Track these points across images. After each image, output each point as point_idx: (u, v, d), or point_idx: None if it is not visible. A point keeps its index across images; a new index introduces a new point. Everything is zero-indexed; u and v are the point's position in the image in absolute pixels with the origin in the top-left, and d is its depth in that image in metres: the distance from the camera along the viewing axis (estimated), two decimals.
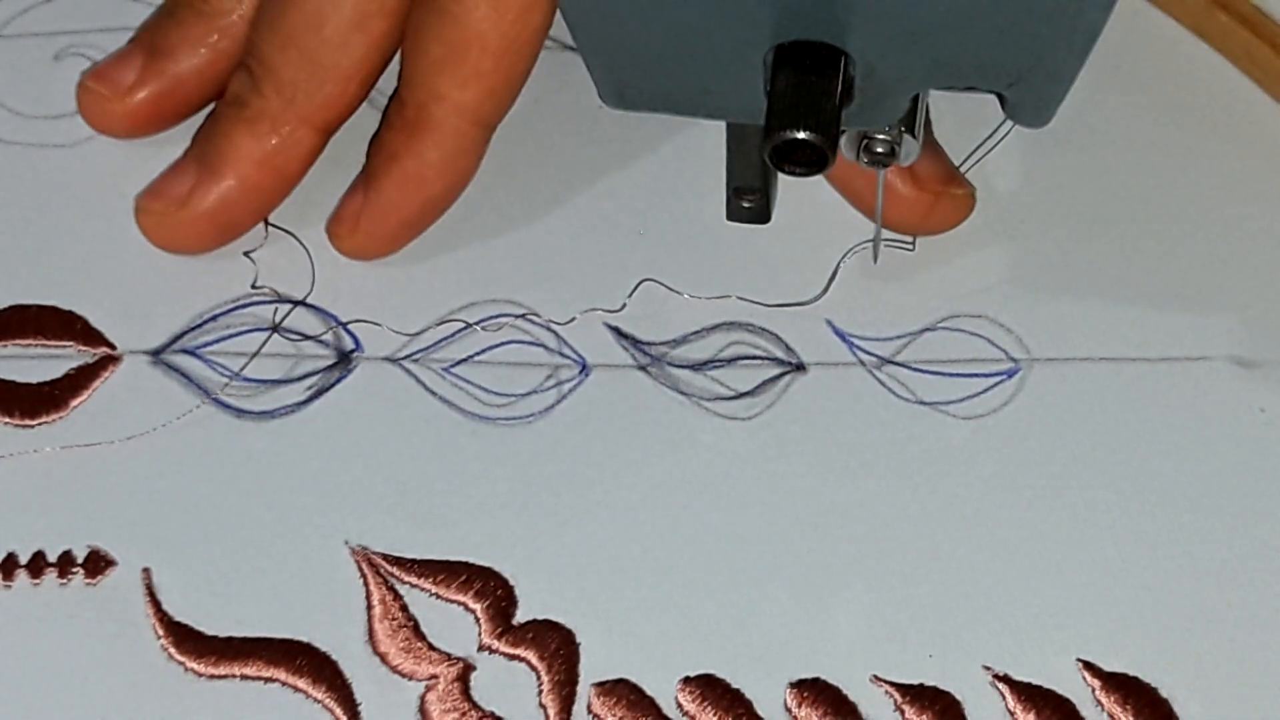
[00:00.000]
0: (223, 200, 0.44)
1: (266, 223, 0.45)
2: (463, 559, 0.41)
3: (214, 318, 0.44)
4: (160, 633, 0.40)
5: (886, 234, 0.44)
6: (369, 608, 0.41)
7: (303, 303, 0.45)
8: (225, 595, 0.41)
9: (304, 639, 0.40)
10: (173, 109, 0.45)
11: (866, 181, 0.43)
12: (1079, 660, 0.40)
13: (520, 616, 0.41)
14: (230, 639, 0.40)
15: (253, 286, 0.45)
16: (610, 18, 0.34)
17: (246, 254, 0.45)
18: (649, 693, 0.40)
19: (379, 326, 0.44)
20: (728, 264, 0.45)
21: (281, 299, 0.45)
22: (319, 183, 0.45)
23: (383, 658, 0.40)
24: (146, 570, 0.41)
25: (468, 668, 0.40)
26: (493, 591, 0.41)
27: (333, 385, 0.44)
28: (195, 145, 0.45)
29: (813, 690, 0.40)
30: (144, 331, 0.44)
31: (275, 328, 0.44)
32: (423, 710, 0.40)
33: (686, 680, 0.40)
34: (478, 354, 0.44)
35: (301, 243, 0.45)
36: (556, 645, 0.40)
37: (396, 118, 0.44)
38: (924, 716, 0.40)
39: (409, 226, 0.45)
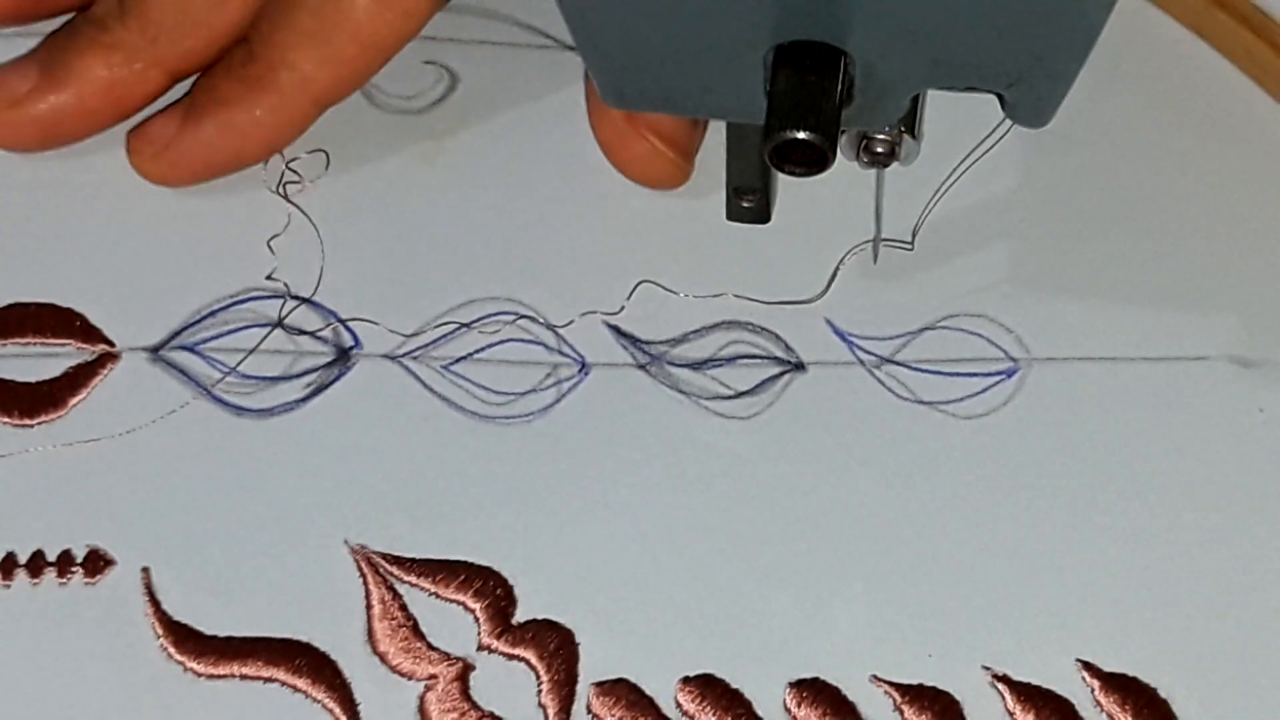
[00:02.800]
0: (55, 112, 0.44)
1: (289, 206, 0.45)
2: (462, 558, 0.41)
3: (213, 313, 0.44)
4: (159, 632, 0.40)
5: (886, 234, 0.44)
6: (368, 607, 0.41)
7: (309, 300, 0.44)
8: (224, 595, 0.41)
9: (303, 638, 0.40)
10: (33, 6, 0.46)
11: (609, 129, 0.43)
12: (1078, 660, 0.40)
13: (519, 616, 0.41)
14: (229, 639, 0.40)
15: (267, 278, 0.45)
16: (610, 18, 0.34)
17: (268, 242, 0.45)
18: (648, 692, 0.40)
19: (377, 325, 0.44)
20: (727, 264, 0.45)
21: (288, 294, 0.45)
22: (332, 183, 0.45)
23: (382, 657, 0.40)
24: (145, 570, 0.41)
25: (467, 667, 0.40)
26: (492, 591, 0.41)
27: (332, 383, 0.44)
28: (45, 49, 0.45)
29: (812, 690, 0.40)
30: (142, 328, 0.44)
31: (279, 323, 0.44)
32: (422, 710, 0.40)
33: (686, 680, 0.40)
34: (477, 352, 0.44)
35: (320, 237, 0.45)
36: (556, 645, 0.40)
37: (240, 68, 0.44)
38: (923, 717, 0.40)
39: (212, 170, 0.45)
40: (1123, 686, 0.40)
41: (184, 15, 0.43)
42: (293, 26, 0.43)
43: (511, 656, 0.40)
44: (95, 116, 0.44)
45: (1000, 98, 0.36)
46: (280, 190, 0.46)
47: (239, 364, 0.44)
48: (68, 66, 0.44)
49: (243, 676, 0.40)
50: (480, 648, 0.40)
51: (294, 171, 0.46)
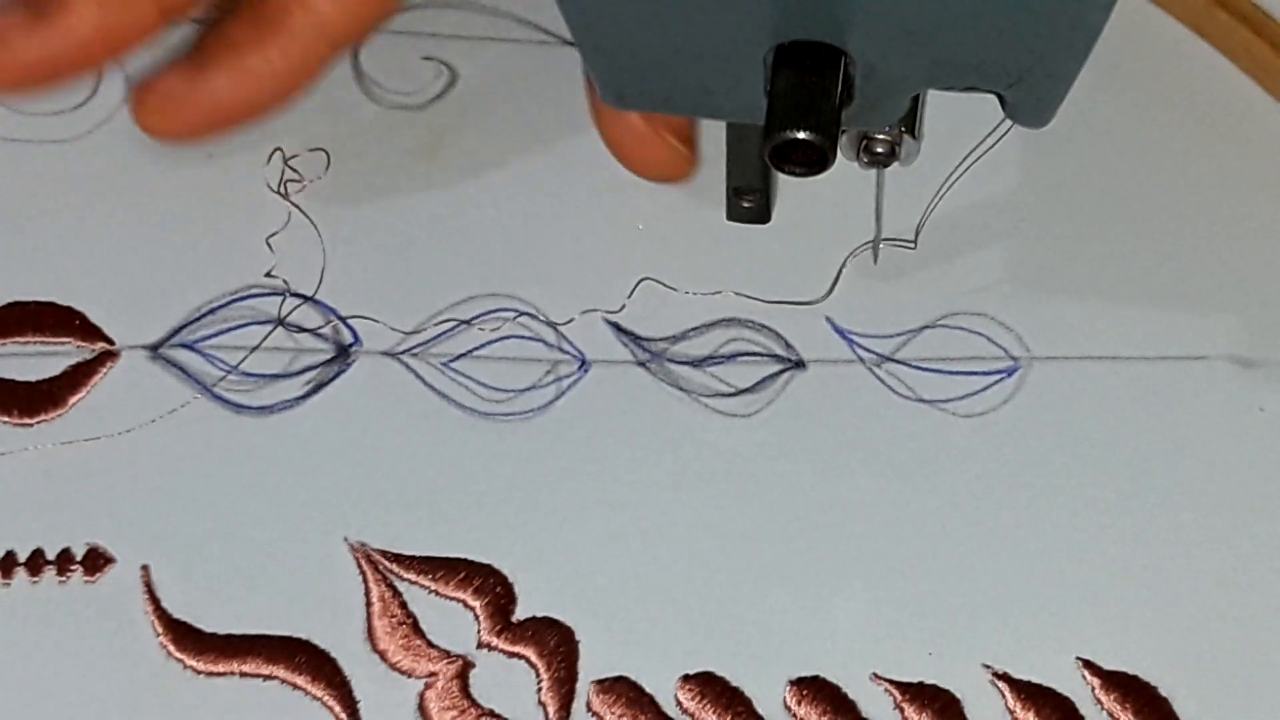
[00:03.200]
0: (44, 51, 0.41)
1: (289, 206, 0.45)
2: (462, 556, 0.41)
3: (212, 311, 0.44)
4: (159, 630, 0.40)
5: (887, 234, 0.44)
6: (368, 605, 0.41)
7: (311, 298, 0.44)
8: (224, 592, 0.41)
9: (303, 636, 0.40)
10: None
11: (624, 130, 0.42)
12: (1078, 659, 0.40)
13: (519, 614, 0.41)
14: (229, 636, 0.40)
15: (266, 275, 0.45)
16: (610, 18, 0.34)
17: (267, 240, 0.45)
18: (648, 690, 0.40)
19: (376, 322, 0.44)
20: (728, 264, 0.45)
21: (288, 291, 0.45)
22: (332, 179, 0.45)
23: (382, 655, 0.40)
24: (145, 568, 0.41)
25: (467, 665, 0.40)
26: (492, 589, 0.41)
27: (331, 380, 0.44)
28: None
29: (812, 688, 0.40)
30: (142, 326, 0.44)
31: (281, 321, 0.44)
32: (422, 708, 0.40)
33: (686, 678, 0.40)
34: (477, 349, 0.44)
35: (320, 235, 0.45)
36: (556, 642, 0.40)
37: (250, 10, 0.41)
38: (923, 715, 0.40)
39: (223, 122, 0.41)
40: (1123, 685, 0.40)
41: None
42: None
43: (511, 654, 0.40)
44: (86, 56, 0.42)
45: (1000, 98, 0.36)
46: (280, 189, 0.46)
47: (241, 363, 0.44)
48: (58, 3, 0.42)
49: (242, 674, 0.40)
50: (480, 645, 0.41)
51: (294, 170, 0.46)
